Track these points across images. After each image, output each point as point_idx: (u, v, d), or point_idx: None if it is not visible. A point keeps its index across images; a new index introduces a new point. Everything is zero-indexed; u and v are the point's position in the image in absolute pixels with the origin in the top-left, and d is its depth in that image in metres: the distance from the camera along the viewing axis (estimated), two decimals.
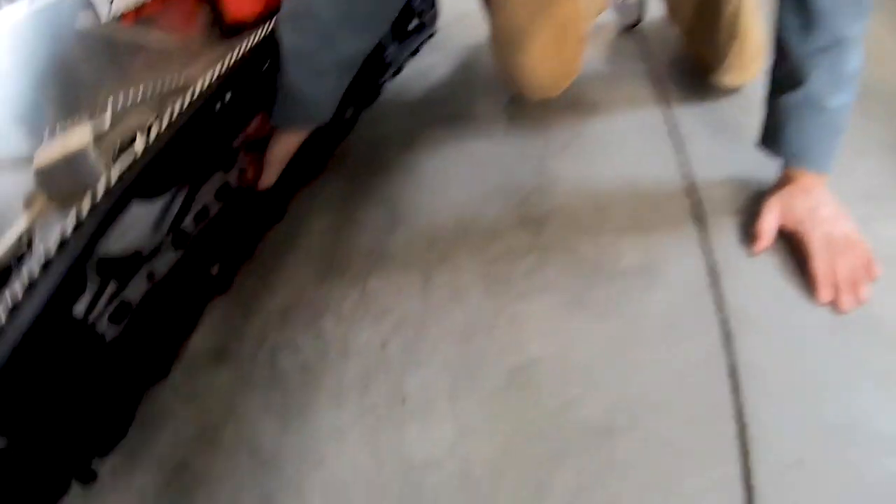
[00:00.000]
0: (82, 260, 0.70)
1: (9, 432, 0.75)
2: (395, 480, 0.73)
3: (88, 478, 0.85)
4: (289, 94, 1.01)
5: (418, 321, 0.91)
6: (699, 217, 0.94)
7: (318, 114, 1.06)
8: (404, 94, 1.65)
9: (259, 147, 1.11)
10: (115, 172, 0.75)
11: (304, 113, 1.04)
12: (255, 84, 1.26)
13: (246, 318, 1.01)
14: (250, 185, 1.13)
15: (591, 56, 1.46)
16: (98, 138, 0.77)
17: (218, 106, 1.02)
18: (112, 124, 0.79)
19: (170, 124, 0.81)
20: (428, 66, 1.74)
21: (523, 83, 1.26)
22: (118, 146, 0.84)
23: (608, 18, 1.56)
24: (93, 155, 0.74)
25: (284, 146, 1.07)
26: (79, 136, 0.75)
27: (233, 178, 1.20)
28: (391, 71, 1.71)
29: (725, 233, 0.90)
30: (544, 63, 1.21)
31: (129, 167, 0.74)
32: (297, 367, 0.90)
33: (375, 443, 0.77)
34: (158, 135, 0.79)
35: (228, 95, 1.13)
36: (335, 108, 1.08)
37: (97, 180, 0.73)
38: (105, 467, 0.84)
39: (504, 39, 1.21)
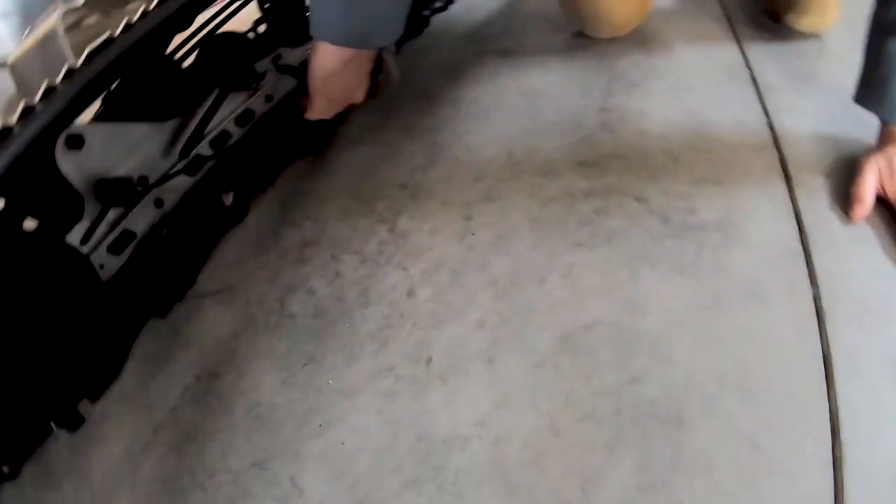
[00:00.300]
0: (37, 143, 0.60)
1: None
2: (410, 457, 0.60)
3: (74, 423, 0.75)
4: (354, 6, 0.82)
5: (454, 267, 0.77)
6: (785, 174, 0.82)
7: (393, 29, 0.88)
8: (453, 28, 1.49)
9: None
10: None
11: (377, 29, 0.85)
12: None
13: (258, 255, 0.89)
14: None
15: None
16: (72, 25, 0.64)
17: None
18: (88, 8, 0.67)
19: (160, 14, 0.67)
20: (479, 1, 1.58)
21: (594, 20, 1.16)
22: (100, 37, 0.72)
23: None
24: (62, 37, 0.61)
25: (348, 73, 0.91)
26: (50, 21, 0.63)
27: (258, 104, 1.09)
28: (439, 2, 1.57)
29: (816, 195, 0.79)
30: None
31: (99, 46, 0.61)
32: (309, 312, 0.77)
33: (391, 410, 0.64)
34: (143, 21, 0.65)
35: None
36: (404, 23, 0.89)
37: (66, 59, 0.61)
38: (94, 413, 0.75)
39: None
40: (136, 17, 0.66)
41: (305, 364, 0.71)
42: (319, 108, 0.95)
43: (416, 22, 1.48)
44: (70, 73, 0.60)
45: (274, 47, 1.15)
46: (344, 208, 0.93)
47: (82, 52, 0.64)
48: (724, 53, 1.10)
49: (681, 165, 0.86)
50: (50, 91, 0.60)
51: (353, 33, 0.83)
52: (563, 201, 0.84)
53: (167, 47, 0.98)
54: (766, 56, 1.06)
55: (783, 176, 0.82)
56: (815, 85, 0.99)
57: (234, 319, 0.81)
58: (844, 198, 0.76)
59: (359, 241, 0.86)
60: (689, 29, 1.19)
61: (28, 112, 0.59)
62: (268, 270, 0.86)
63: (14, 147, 0.59)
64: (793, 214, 0.76)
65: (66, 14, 0.65)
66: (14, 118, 0.58)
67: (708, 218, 0.78)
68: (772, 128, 0.90)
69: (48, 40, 0.63)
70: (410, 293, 0.75)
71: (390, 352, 0.69)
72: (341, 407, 0.66)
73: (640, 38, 1.19)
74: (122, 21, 0.73)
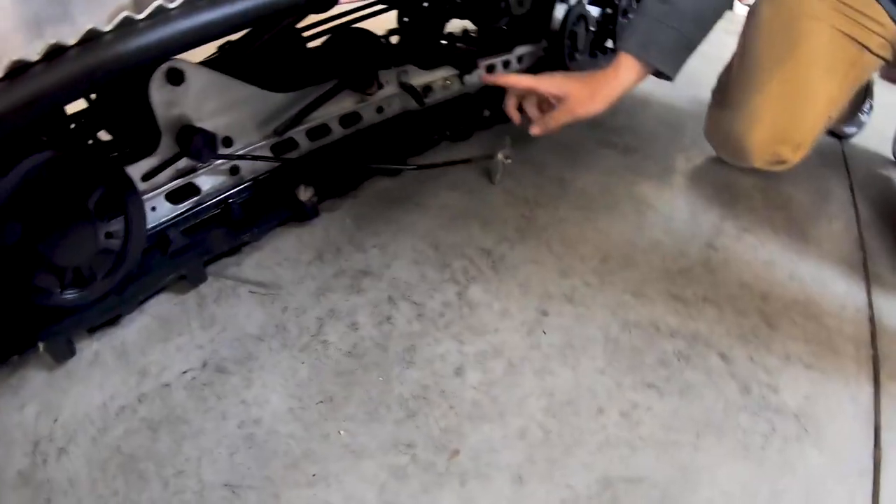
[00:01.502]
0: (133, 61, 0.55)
1: None
2: None
3: (63, 354, 0.71)
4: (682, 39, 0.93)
5: (513, 361, 0.71)
6: (875, 378, 0.77)
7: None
8: None
9: None
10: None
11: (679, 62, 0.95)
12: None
13: (313, 263, 0.85)
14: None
15: None
16: None
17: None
18: None
19: None
20: None
21: (734, 147, 1.14)
22: None
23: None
24: None
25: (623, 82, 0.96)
26: None
27: (369, 111, 1.07)
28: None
29: None
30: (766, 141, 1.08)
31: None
32: (345, 346, 0.72)
33: (394, 492, 0.57)
34: None
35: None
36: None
37: None
38: (86, 351, 0.72)
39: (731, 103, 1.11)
40: None
41: (321, 402, 0.65)
42: (592, 111, 0.97)
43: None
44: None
45: (403, 62, 1.14)
46: (418, 251, 0.88)
47: None
48: (843, 230, 1.07)
49: (775, 334, 0.81)
50: (160, 12, 0.56)
51: (672, 61, 0.94)
52: (647, 331, 0.77)
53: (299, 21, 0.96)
54: (884, 251, 1.03)
55: (873, 380, 0.76)
56: None
57: (265, 320, 0.75)
58: None
59: (423, 292, 0.80)
60: (814, 191, 1.18)
61: (129, 23, 0.55)
62: (317, 284, 0.81)
63: (106, 55, 0.55)
64: (873, 426, 0.70)
65: None
66: (112, 25, 0.54)
67: (789, 402, 0.72)
68: (872, 322, 0.85)
69: None
70: (459, 371, 0.69)
71: (416, 427, 0.63)
72: (343, 465, 0.59)
73: (766, 181, 1.16)
74: None
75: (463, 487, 0.57)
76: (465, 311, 0.78)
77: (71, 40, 0.52)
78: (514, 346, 0.73)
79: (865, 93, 1.48)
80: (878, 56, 1.06)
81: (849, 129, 1.49)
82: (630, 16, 1.73)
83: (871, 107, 1.52)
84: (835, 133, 1.48)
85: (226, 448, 0.61)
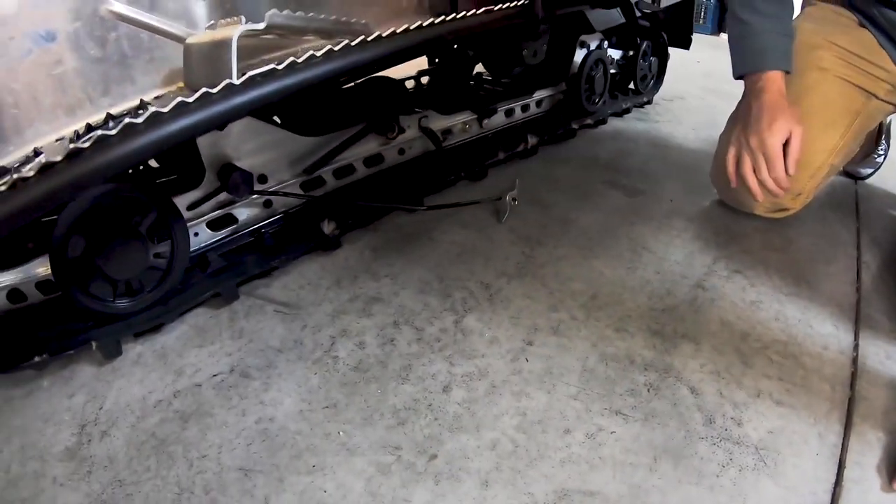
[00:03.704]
0: (161, 143, 0.69)
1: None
2: None
3: (112, 352, 0.87)
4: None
5: (494, 383, 0.83)
6: (847, 418, 0.82)
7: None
8: (594, 148, 1.62)
9: None
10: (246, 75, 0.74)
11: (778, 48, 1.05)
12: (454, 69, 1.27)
13: (332, 288, 0.99)
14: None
15: None
16: (246, 36, 0.77)
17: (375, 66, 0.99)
18: (266, 33, 0.79)
19: (324, 57, 0.79)
20: (625, 131, 1.69)
21: (738, 200, 1.22)
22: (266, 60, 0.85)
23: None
24: (233, 49, 0.73)
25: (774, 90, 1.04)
26: (230, 30, 0.76)
27: (391, 153, 1.22)
28: (593, 119, 1.70)
29: (870, 449, 0.77)
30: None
31: (263, 76, 0.72)
32: (352, 362, 0.85)
33: (378, 483, 0.69)
34: (308, 60, 0.76)
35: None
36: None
37: (229, 74, 0.73)
38: (131, 352, 0.88)
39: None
40: (302, 57, 0.77)
41: (326, 406, 0.79)
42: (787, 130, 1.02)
43: (565, 131, 1.61)
44: (229, 86, 0.70)
45: (425, 107, 1.29)
46: (425, 283, 1.01)
47: (247, 65, 0.77)
48: (840, 272, 1.13)
49: (749, 371, 0.87)
50: (205, 95, 0.69)
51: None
52: (622, 364, 0.88)
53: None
54: (881, 294, 1.07)
55: (845, 420, 0.81)
56: None
57: (286, 335, 0.90)
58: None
59: (424, 319, 0.94)
60: (818, 233, 1.24)
61: (182, 107, 0.67)
62: (334, 306, 0.95)
63: (162, 129, 0.67)
64: (836, 464, 0.75)
65: (245, 33, 0.76)
66: (167, 107, 0.66)
67: (751, 434, 0.78)
68: (855, 364, 0.90)
69: (221, 45, 0.75)
70: (446, 389, 0.82)
71: (404, 433, 0.75)
72: (338, 459, 0.72)
73: (768, 224, 1.23)
74: (293, 50, 0.86)
75: (437, 485, 0.70)
76: (459, 337, 0.90)
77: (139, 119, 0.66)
78: (498, 370, 0.85)
79: (880, 134, 1.55)
80: (886, 102, 1.13)
81: (864, 170, 1.55)
82: (651, 58, 1.85)
83: (888, 147, 1.58)
84: (850, 174, 1.54)
85: (243, 439, 0.74)
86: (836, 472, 0.74)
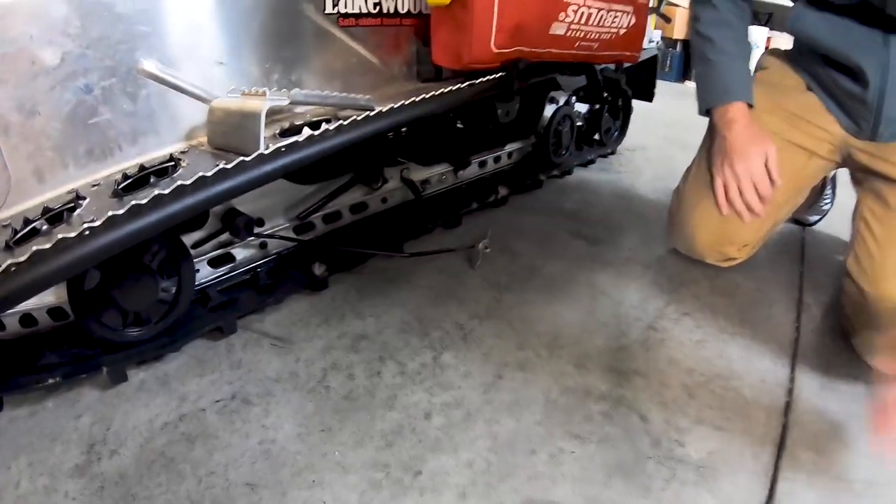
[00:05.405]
0: (206, 203, 0.81)
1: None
2: None
3: (118, 377, 0.97)
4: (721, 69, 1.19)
5: (470, 411, 0.96)
6: (780, 440, 0.94)
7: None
8: (560, 198, 1.78)
9: None
10: (272, 146, 0.87)
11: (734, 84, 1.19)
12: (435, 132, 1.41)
13: (321, 325, 1.12)
14: None
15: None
16: (272, 113, 0.91)
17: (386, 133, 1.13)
18: (289, 108, 0.94)
19: (337, 130, 0.93)
20: (589, 181, 1.85)
21: (687, 240, 1.35)
22: (286, 129, 0.99)
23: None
24: (262, 122, 0.87)
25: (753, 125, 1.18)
26: (258, 103, 0.90)
27: (375, 201, 1.36)
28: (560, 170, 1.86)
29: (800, 469, 0.89)
30: (706, 232, 1.29)
31: (287, 147, 0.86)
32: (343, 391, 0.98)
33: (371, 497, 0.81)
34: (323, 133, 0.91)
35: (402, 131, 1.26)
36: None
37: (255, 146, 0.87)
38: (136, 378, 0.98)
39: (681, 200, 1.32)
40: (323, 130, 0.91)
41: (322, 430, 0.91)
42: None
43: (532, 182, 1.77)
44: (259, 157, 0.84)
45: (406, 159, 1.43)
46: (405, 323, 1.15)
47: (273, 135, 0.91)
48: (781, 313, 1.27)
49: (693, 402, 1.00)
50: (239, 164, 0.82)
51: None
52: (579, 395, 1.01)
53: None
54: (817, 331, 1.22)
55: (778, 443, 0.92)
56: (845, 389, 1.06)
57: (282, 367, 1.02)
58: (822, 481, 0.86)
59: (406, 355, 1.07)
60: (763, 277, 1.39)
61: (223, 172, 0.81)
62: (324, 342, 1.08)
63: (206, 191, 0.80)
64: (769, 479, 0.86)
65: (272, 109, 0.90)
66: (210, 171, 0.80)
67: (692, 454, 0.90)
68: (790, 394, 1.02)
69: (250, 117, 0.88)
70: (427, 416, 0.95)
71: (391, 453, 0.88)
72: (334, 475, 0.84)
73: (717, 270, 1.38)
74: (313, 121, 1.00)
75: (422, 497, 0.82)
76: (437, 371, 1.04)
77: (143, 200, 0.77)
78: (472, 400, 0.98)
79: (824, 185, 1.70)
80: (827, 160, 1.25)
81: (811, 217, 1.72)
82: (616, 111, 2.03)
83: (834, 196, 1.74)
84: (798, 221, 1.71)
85: (248, 458, 0.86)
86: (769, 486, 0.86)
